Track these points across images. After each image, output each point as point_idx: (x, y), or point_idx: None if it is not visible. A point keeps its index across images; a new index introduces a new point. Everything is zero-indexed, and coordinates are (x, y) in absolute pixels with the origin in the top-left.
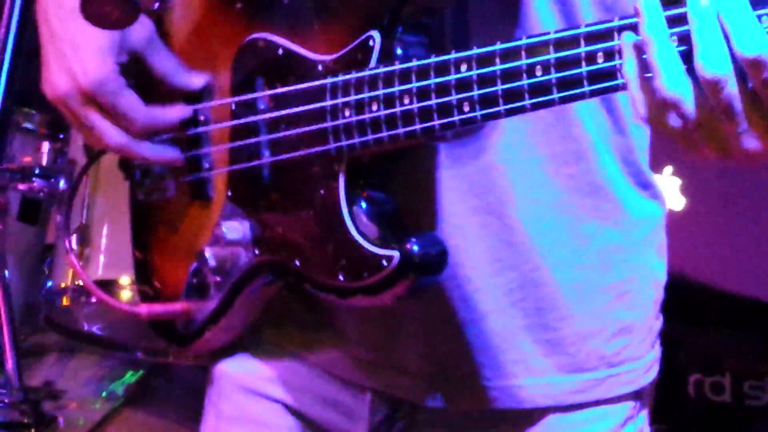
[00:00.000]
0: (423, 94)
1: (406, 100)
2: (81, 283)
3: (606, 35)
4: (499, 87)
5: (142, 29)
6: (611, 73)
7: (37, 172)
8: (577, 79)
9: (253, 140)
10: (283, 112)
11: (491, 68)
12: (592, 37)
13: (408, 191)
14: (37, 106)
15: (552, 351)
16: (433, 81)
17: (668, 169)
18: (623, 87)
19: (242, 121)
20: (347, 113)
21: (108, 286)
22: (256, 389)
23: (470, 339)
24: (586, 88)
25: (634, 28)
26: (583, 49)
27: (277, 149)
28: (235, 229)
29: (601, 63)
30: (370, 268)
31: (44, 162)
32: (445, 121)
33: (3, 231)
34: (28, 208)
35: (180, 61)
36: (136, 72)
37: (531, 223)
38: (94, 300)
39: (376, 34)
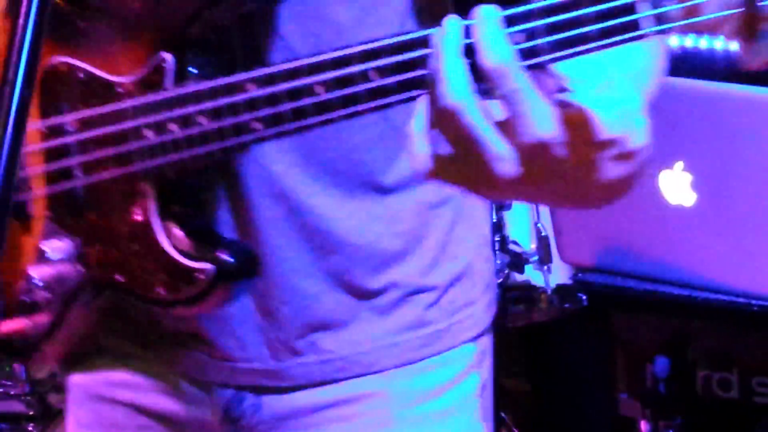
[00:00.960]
0: (216, 114)
1: (202, 121)
2: None
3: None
4: (287, 106)
5: None
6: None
7: None
8: (357, 96)
9: (64, 162)
10: (90, 134)
11: (276, 88)
12: (369, 55)
13: (218, 202)
14: None
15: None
16: (224, 101)
17: (679, 165)
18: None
19: (52, 143)
20: (148, 134)
21: None
22: (106, 395)
23: (307, 321)
24: (369, 104)
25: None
26: (361, 67)
27: (89, 170)
28: (58, 248)
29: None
30: (187, 281)
31: None
32: (240, 140)
33: None
34: None
35: None
36: None
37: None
38: None
39: (168, 56)
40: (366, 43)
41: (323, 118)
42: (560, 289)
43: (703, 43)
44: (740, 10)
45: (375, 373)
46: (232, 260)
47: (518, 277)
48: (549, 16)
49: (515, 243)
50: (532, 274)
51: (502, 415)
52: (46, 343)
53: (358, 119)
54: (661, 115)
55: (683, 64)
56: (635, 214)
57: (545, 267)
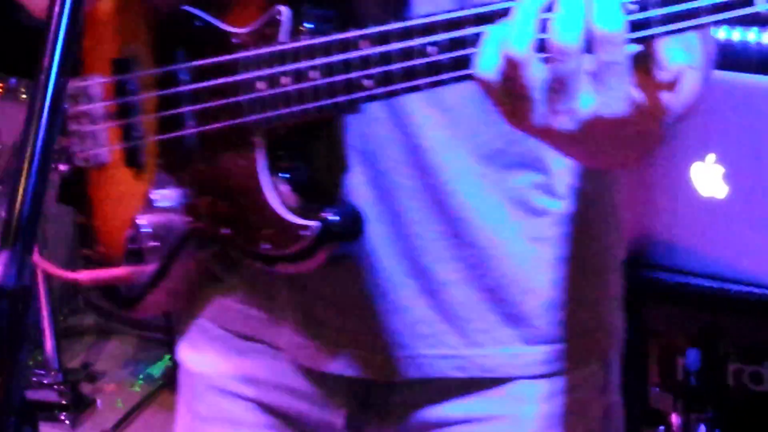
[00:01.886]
0: (329, 69)
1: (313, 75)
2: None
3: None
4: (398, 65)
5: None
6: None
7: None
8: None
9: (177, 110)
10: (202, 84)
11: (389, 47)
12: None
13: (344, 163)
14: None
15: (517, 324)
16: (337, 57)
17: (711, 157)
18: None
19: (165, 92)
20: (260, 87)
21: None
22: (228, 389)
23: (433, 309)
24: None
25: None
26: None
27: (200, 120)
28: (167, 196)
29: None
30: (292, 238)
31: None
32: (352, 97)
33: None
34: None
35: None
36: None
37: (475, 202)
38: None
39: (284, 8)
40: (479, 6)
41: (434, 79)
42: None
43: (736, 35)
44: None
45: (498, 378)
46: (337, 218)
47: None
48: None
49: None
50: None
51: None
52: (151, 293)
53: None
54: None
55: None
56: (667, 206)
57: None
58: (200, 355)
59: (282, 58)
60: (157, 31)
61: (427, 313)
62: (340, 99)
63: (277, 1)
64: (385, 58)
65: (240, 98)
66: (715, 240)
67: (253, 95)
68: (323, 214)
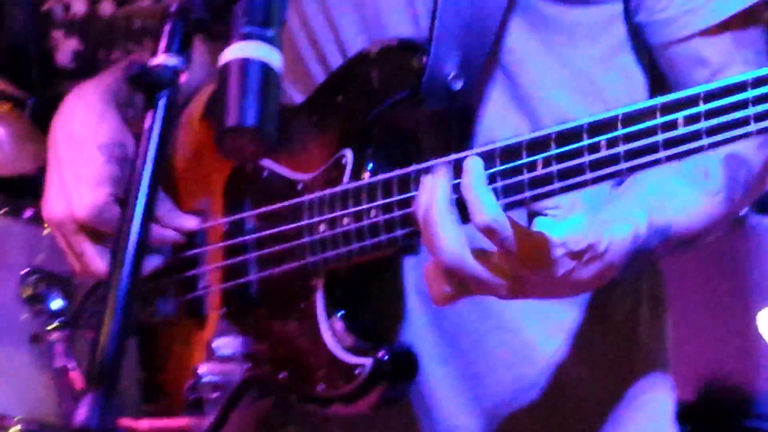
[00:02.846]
0: (387, 207)
1: (372, 213)
2: None
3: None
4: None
5: None
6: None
7: None
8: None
9: (242, 258)
10: (268, 230)
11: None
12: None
13: (388, 303)
14: None
15: None
16: (396, 196)
17: None
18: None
19: (233, 241)
20: (322, 228)
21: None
22: None
23: None
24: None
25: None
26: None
27: (263, 266)
28: (228, 345)
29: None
30: (346, 377)
31: None
32: (410, 230)
33: None
34: None
35: (173, 203)
36: None
37: (543, 341)
38: None
39: (348, 153)
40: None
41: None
42: None
43: None
44: None
45: None
46: (387, 358)
47: None
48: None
49: None
50: None
51: None
52: None
53: None
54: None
55: None
56: (741, 351)
57: None
58: None
59: (344, 198)
60: (227, 182)
61: None
62: (398, 233)
63: (341, 148)
64: None
65: (302, 240)
66: None
67: (314, 237)
68: (377, 353)
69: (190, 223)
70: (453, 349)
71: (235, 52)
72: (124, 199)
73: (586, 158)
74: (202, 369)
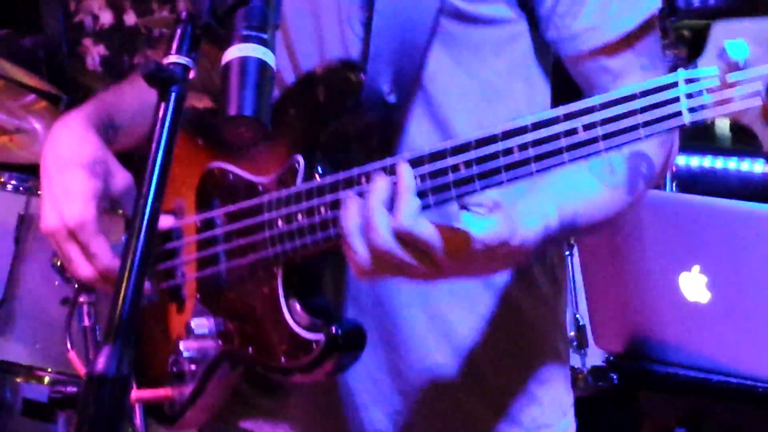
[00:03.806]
0: (334, 204)
1: (322, 210)
2: None
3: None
4: None
5: (122, 181)
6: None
7: None
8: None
9: (213, 250)
10: (234, 226)
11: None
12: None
13: (334, 284)
14: None
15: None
16: (341, 193)
17: (696, 268)
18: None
19: (205, 235)
20: (280, 224)
21: None
22: None
23: (428, 408)
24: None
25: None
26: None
27: (231, 256)
28: (204, 324)
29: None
30: (304, 350)
31: None
32: None
33: None
34: None
35: None
36: None
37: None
38: None
39: (300, 158)
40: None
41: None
42: (595, 370)
43: (719, 163)
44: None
45: None
46: (339, 333)
47: None
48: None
49: None
50: (570, 357)
51: None
52: (190, 410)
53: None
54: (682, 226)
55: (701, 182)
56: (659, 309)
57: (582, 351)
58: None
59: (298, 198)
60: (199, 185)
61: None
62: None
63: (294, 154)
64: None
65: (263, 235)
66: (700, 337)
67: (273, 231)
68: (330, 329)
69: (166, 221)
70: (386, 325)
71: (235, 51)
72: (139, 177)
73: (502, 161)
74: (182, 345)
